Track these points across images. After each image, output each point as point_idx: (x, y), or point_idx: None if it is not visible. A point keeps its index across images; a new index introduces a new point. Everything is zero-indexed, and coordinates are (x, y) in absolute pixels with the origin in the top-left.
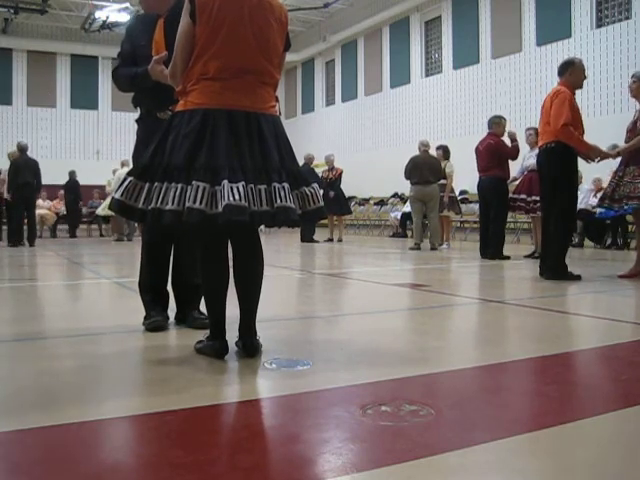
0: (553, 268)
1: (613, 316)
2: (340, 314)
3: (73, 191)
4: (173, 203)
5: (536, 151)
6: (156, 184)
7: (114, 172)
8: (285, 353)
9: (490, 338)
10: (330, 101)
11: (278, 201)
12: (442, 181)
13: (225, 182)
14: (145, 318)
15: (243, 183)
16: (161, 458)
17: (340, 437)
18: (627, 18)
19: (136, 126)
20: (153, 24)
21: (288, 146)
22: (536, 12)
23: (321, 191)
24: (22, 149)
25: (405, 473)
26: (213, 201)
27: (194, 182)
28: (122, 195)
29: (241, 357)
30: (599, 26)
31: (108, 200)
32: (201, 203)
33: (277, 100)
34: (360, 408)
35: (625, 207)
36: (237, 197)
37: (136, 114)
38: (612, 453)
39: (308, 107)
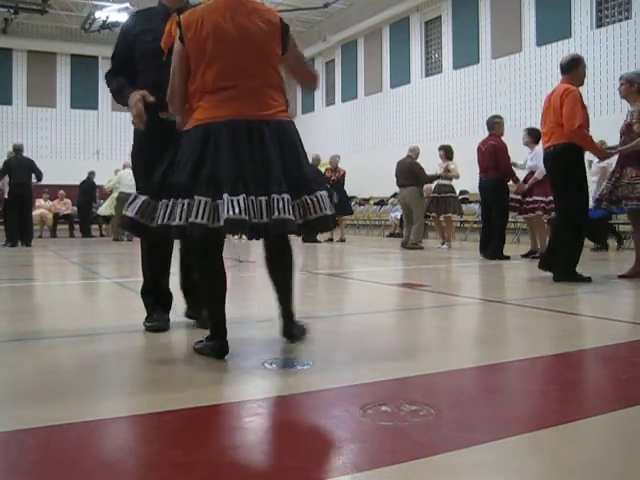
0: (561, 270)
1: (613, 316)
2: (340, 314)
3: (88, 192)
4: (180, 219)
5: (534, 153)
6: (163, 201)
7: (116, 172)
8: (285, 353)
9: (490, 338)
10: (330, 101)
11: (276, 213)
12: (445, 181)
13: (226, 196)
14: (146, 319)
15: (244, 196)
16: (161, 458)
17: (340, 437)
18: (627, 18)
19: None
20: (160, 20)
21: (295, 152)
22: (536, 12)
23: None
24: (16, 149)
25: (405, 473)
26: (215, 215)
27: (196, 197)
28: (137, 214)
29: (241, 357)
30: (599, 26)
31: (109, 200)
32: (203, 217)
33: (287, 104)
34: (360, 408)
35: (624, 208)
36: (237, 211)
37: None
38: (612, 453)
39: (308, 107)
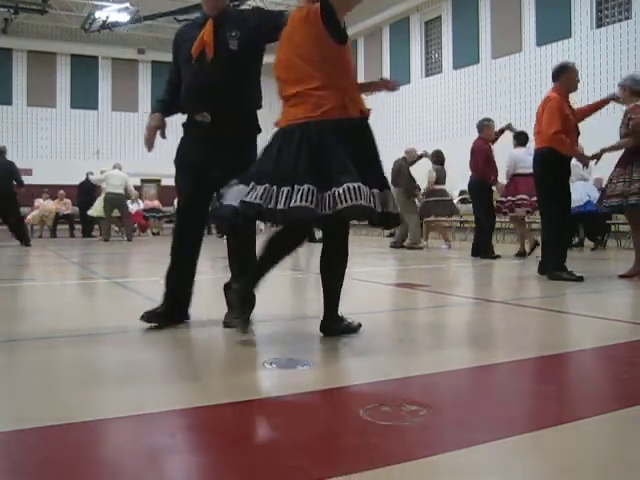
0: (551, 269)
1: (613, 316)
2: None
3: (87, 193)
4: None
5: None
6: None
7: (102, 172)
8: (285, 353)
9: (490, 338)
10: None
11: (292, 201)
12: (437, 186)
13: (252, 184)
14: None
15: (266, 185)
16: (161, 458)
17: (340, 437)
18: (627, 18)
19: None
20: (197, 28)
21: (332, 151)
22: (536, 12)
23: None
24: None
25: (405, 473)
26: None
27: (237, 185)
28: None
29: (241, 357)
30: (599, 26)
31: (98, 201)
32: (235, 201)
33: (346, 99)
34: (360, 408)
35: (606, 205)
36: (254, 196)
37: (131, 113)
38: (612, 453)
39: None
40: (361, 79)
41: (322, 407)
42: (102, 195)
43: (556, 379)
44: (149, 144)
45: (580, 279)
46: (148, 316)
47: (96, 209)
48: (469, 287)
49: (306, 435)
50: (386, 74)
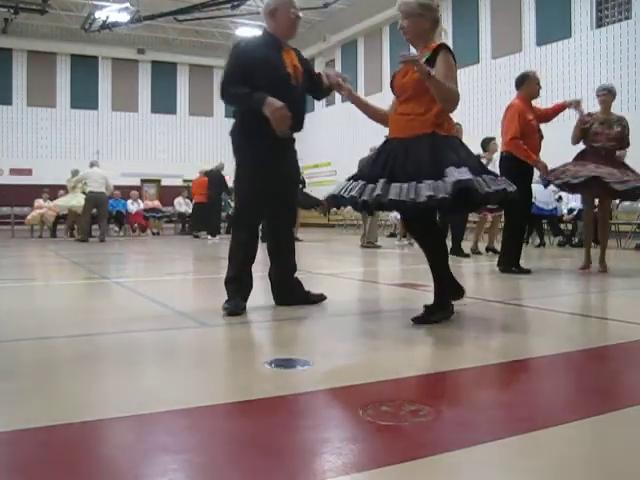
0: (503, 264)
1: (613, 316)
2: (339, 314)
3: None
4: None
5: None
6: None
7: (74, 172)
8: (285, 353)
9: (489, 338)
10: (330, 101)
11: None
12: None
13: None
14: (225, 302)
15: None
16: (161, 458)
17: (340, 437)
18: (627, 18)
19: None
20: (276, 49)
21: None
22: (536, 12)
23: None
24: None
25: (405, 473)
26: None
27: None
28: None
29: (241, 357)
30: (599, 26)
31: (65, 198)
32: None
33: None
34: (360, 408)
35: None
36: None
37: (131, 113)
38: (612, 453)
39: (308, 107)
40: (361, 79)
41: (322, 407)
42: (78, 192)
43: (556, 379)
44: (287, 122)
45: (528, 272)
46: (232, 311)
47: (71, 200)
48: (467, 286)
49: (306, 435)
50: (386, 74)
